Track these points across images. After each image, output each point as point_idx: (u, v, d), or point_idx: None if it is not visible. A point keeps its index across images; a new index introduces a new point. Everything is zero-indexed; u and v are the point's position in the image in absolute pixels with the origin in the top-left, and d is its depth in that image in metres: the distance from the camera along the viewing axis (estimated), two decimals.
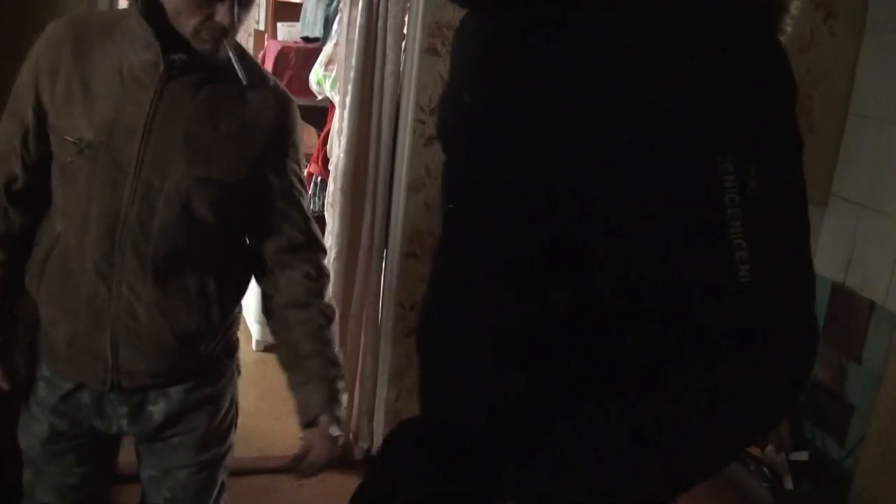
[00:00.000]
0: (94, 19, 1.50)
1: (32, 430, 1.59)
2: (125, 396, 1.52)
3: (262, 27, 5.46)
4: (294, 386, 1.58)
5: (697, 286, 0.78)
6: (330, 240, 2.76)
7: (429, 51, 2.58)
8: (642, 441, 0.82)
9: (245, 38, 6.11)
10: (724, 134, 0.76)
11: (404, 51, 2.63)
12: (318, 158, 3.33)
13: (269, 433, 3.08)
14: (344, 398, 1.59)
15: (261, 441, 3.02)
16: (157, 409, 1.55)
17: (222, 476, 1.72)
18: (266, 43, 4.66)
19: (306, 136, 4.54)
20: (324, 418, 1.54)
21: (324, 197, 2.96)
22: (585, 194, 0.81)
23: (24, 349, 1.62)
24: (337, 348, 1.62)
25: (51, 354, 1.54)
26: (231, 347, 1.66)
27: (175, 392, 1.55)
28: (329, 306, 1.60)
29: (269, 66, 3.83)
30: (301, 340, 1.56)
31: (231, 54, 1.36)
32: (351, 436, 2.89)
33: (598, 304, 0.86)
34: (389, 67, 2.63)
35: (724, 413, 0.80)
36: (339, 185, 2.69)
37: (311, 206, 3.37)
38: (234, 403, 1.73)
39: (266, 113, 1.46)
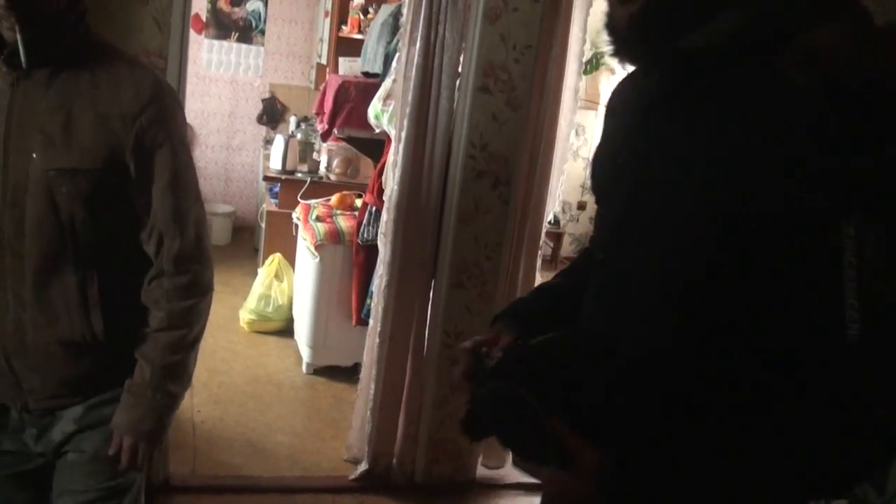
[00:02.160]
0: None
1: None
2: (36, 418, 1.51)
3: (324, 61, 5.66)
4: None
5: (810, 340, 0.87)
6: (381, 268, 2.85)
7: (481, 89, 2.67)
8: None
9: (308, 70, 6.32)
10: (850, 200, 0.84)
11: (458, 89, 2.73)
12: (373, 189, 3.43)
13: (315, 453, 3.16)
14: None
15: (306, 461, 3.10)
16: (58, 429, 1.52)
17: None
18: (328, 76, 4.82)
19: (363, 166, 4.68)
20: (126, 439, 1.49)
21: (378, 226, 3.06)
22: (732, 241, 0.90)
23: None
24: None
25: None
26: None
27: (75, 409, 1.51)
28: (171, 315, 1.48)
29: (329, 99, 3.97)
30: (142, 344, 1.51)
31: (17, 36, 1.30)
32: (394, 461, 2.96)
33: (731, 338, 0.93)
34: (443, 104, 2.72)
35: (810, 457, 0.87)
36: (392, 216, 2.79)
37: (366, 235, 3.49)
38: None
39: (121, 98, 1.40)
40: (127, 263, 1.50)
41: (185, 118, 1.55)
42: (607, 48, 1.01)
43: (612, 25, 1.00)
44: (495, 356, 1.02)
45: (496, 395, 0.96)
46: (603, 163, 1.14)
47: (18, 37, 1.31)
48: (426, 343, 2.89)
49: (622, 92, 1.17)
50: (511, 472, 3.13)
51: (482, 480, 3.08)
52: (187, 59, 2.50)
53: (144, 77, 1.44)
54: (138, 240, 1.49)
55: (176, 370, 1.51)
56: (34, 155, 1.37)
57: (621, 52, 1.01)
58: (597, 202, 1.15)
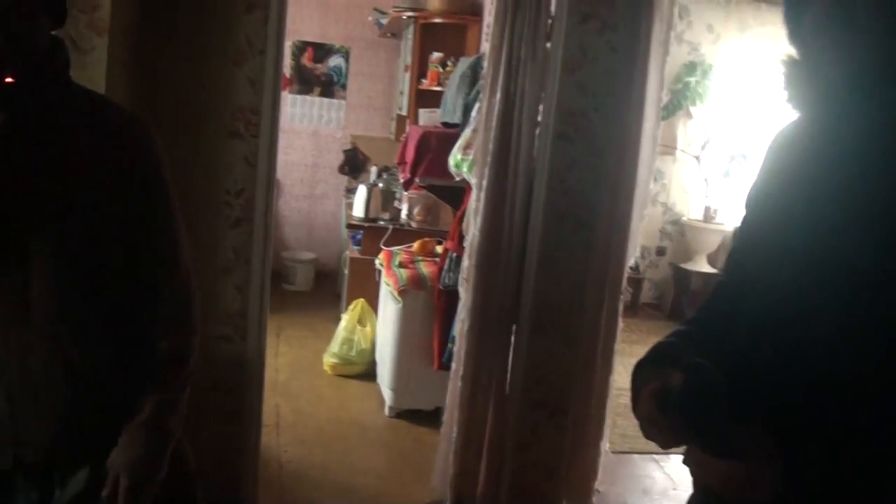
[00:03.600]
0: None
1: None
2: (34, 480, 1.44)
3: (404, 112, 5.83)
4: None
5: None
6: (463, 313, 2.91)
7: (561, 137, 2.74)
8: None
9: (388, 121, 6.52)
10: None
11: (538, 136, 2.80)
12: (454, 236, 3.52)
13: (397, 495, 3.21)
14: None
15: (389, 502, 3.15)
16: (66, 494, 1.46)
17: None
18: (408, 127, 4.98)
19: (443, 213, 4.78)
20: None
21: (459, 272, 3.13)
22: None
23: None
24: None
25: None
26: None
27: (83, 476, 1.46)
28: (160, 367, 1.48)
29: (411, 149, 4.10)
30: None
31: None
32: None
33: None
34: (524, 152, 2.80)
35: None
36: (473, 262, 2.86)
37: (447, 280, 3.57)
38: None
39: (115, 142, 1.41)
40: (127, 304, 1.49)
41: (163, 157, 1.53)
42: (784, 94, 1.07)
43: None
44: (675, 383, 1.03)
45: (696, 377, 0.98)
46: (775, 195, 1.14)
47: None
48: (508, 387, 2.93)
49: (783, 136, 1.18)
50: None
51: None
52: (279, 115, 2.65)
53: (134, 121, 1.46)
54: (136, 277, 1.48)
55: (171, 408, 1.49)
56: (33, 198, 1.36)
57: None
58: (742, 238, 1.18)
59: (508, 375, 2.93)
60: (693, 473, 1.07)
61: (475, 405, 2.92)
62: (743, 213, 1.19)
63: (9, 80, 1.32)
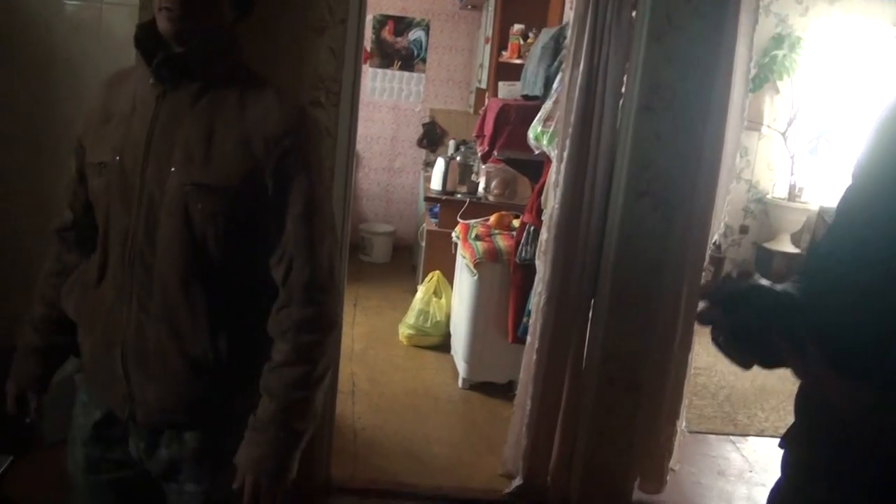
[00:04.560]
0: (126, 68, 1.56)
1: (74, 458, 1.59)
2: (144, 432, 1.49)
3: (484, 85, 5.79)
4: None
5: None
6: (540, 286, 2.89)
7: (645, 109, 2.66)
8: None
9: (467, 95, 6.49)
10: None
11: (621, 108, 2.73)
12: (532, 209, 3.48)
13: (470, 466, 3.22)
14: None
15: (461, 473, 3.17)
16: (168, 453, 1.49)
17: None
18: (487, 100, 4.94)
19: (520, 187, 4.75)
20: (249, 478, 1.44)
21: (536, 246, 3.10)
22: None
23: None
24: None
25: (84, 377, 1.57)
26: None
27: (190, 438, 1.48)
28: (292, 352, 1.43)
29: (490, 122, 4.06)
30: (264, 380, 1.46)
31: (175, 47, 1.36)
32: (549, 478, 2.97)
33: None
34: (606, 124, 2.74)
35: None
36: (552, 235, 2.82)
37: (524, 254, 3.54)
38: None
39: (266, 121, 1.40)
40: (253, 288, 1.47)
41: (322, 151, 1.54)
42: None
43: None
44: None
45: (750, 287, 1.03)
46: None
47: (176, 49, 1.36)
48: (584, 362, 2.89)
49: None
50: (670, 501, 3.06)
51: None
52: (360, 85, 2.65)
53: (291, 104, 1.45)
54: (267, 265, 1.45)
55: (301, 407, 1.45)
56: (172, 168, 1.38)
57: None
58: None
59: (585, 351, 2.89)
60: (810, 394, 1.10)
61: (550, 380, 2.90)
62: (849, 182, 1.17)
63: (182, 49, 1.37)
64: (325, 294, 1.46)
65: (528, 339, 2.99)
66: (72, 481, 1.60)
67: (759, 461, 3.58)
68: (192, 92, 1.40)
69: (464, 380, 3.99)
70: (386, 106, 6.64)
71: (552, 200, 2.86)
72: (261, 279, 1.46)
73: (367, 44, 6.37)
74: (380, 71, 6.58)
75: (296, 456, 1.47)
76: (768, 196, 6.20)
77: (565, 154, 2.78)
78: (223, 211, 1.39)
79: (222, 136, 1.39)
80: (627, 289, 2.79)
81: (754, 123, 5.84)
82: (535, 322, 2.93)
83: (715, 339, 1.11)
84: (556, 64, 3.74)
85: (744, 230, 6.32)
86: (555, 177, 2.85)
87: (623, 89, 2.74)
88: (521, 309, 3.63)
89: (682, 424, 3.05)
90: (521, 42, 5.33)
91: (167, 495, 1.55)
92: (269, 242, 1.44)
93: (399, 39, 6.57)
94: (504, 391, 3.87)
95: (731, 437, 3.79)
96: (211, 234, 1.40)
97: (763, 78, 5.78)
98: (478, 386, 3.97)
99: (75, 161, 1.54)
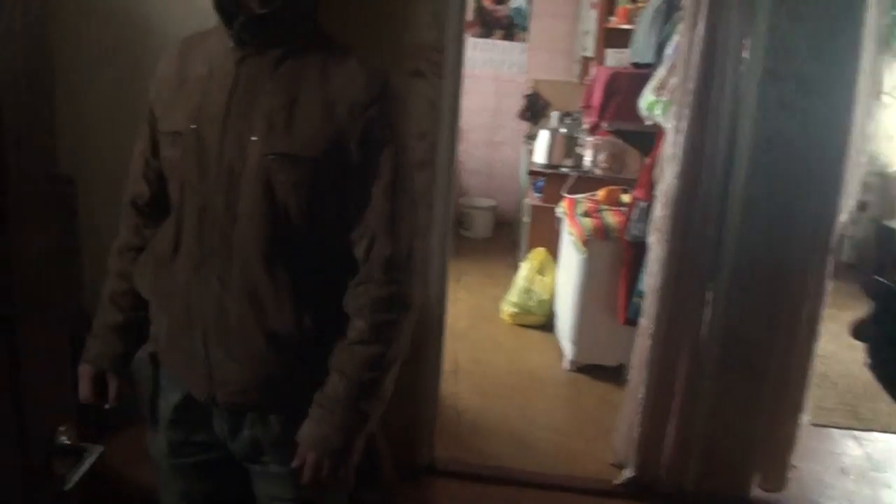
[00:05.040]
0: (201, 32, 1.49)
1: (155, 443, 1.55)
2: (225, 412, 1.45)
3: (590, 53, 5.57)
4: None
5: None
6: (654, 266, 2.72)
7: (769, 74, 2.45)
8: None
9: (570, 64, 6.27)
10: None
11: (742, 74, 2.52)
12: (643, 183, 3.30)
13: (577, 453, 3.10)
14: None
15: (568, 460, 3.06)
16: (251, 434, 1.45)
17: None
18: (593, 70, 4.74)
19: (630, 160, 4.54)
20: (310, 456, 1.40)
21: (648, 222, 2.92)
22: None
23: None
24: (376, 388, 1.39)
25: (160, 357, 1.51)
26: None
27: (275, 422, 1.44)
28: (373, 333, 1.37)
29: (598, 92, 3.88)
30: (335, 356, 1.40)
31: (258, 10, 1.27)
32: (662, 469, 2.82)
33: None
34: (727, 92, 2.53)
35: None
36: (668, 212, 2.65)
37: (634, 231, 3.36)
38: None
39: (351, 88, 1.33)
40: (336, 262, 1.41)
41: (404, 123, 1.46)
42: None
43: None
44: None
45: None
46: None
47: (259, 10, 1.29)
48: (701, 348, 2.71)
49: None
50: (790, 499, 2.86)
51: (757, 501, 2.84)
52: (463, 54, 2.53)
53: (375, 71, 1.37)
54: (348, 239, 1.39)
55: (371, 388, 1.38)
56: (254, 138, 1.32)
57: None
58: None
59: (702, 335, 2.71)
60: None
61: (665, 365, 2.73)
62: None
63: (264, 10, 1.30)
64: (405, 273, 1.40)
65: (641, 321, 2.83)
66: (155, 465, 1.57)
67: (884, 459, 3.31)
68: (274, 57, 1.34)
69: (571, 362, 3.86)
70: (487, 77, 6.49)
71: (667, 174, 2.67)
72: (343, 253, 1.40)
73: (469, 13, 6.24)
74: (480, 41, 6.43)
75: (361, 438, 1.42)
76: (890, 169, 5.76)
77: (683, 125, 2.59)
78: (307, 182, 1.33)
79: (305, 104, 1.32)
80: (749, 270, 2.59)
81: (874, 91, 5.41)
82: (648, 304, 2.76)
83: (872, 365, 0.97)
84: (669, 28, 3.52)
85: (862, 207, 5.88)
86: (671, 149, 2.66)
87: (745, 53, 2.52)
88: (632, 289, 3.46)
89: (805, 417, 2.83)
90: (631, 5, 5.08)
91: (252, 476, 1.51)
92: (352, 215, 1.38)
93: (500, 8, 6.39)
94: (613, 375, 3.72)
95: (854, 432, 3.52)
96: (294, 206, 1.33)
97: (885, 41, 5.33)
98: (584, 368, 3.83)
99: (147, 129, 1.47)
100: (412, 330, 1.44)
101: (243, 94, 1.33)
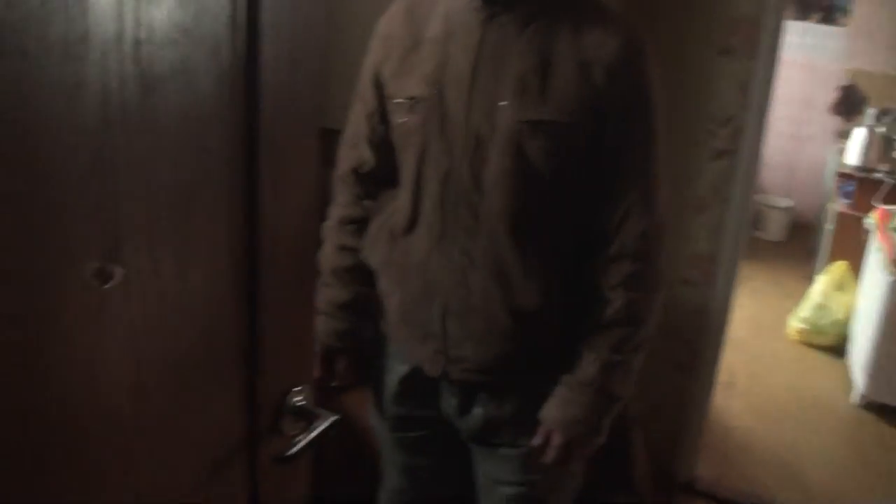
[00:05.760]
0: None
1: (379, 415, 1.53)
2: (455, 388, 1.40)
3: None
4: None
5: None
6: None
7: None
8: None
9: (894, 56, 5.54)
10: None
11: None
12: None
13: (852, 501, 2.78)
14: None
15: None
16: (484, 413, 1.39)
17: None
18: None
19: None
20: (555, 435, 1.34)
21: None
22: None
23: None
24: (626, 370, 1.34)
25: (389, 331, 1.46)
26: None
27: (510, 402, 1.38)
28: (630, 316, 1.31)
29: None
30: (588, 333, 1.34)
31: None
32: None
33: None
34: None
35: None
36: None
37: None
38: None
39: (606, 49, 1.23)
40: (585, 236, 1.33)
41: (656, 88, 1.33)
42: None
43: None
44: None
45: None
46: None
47: None
48: None
49: None
50: None
51: None
52: (782, 33, 2.27)
53: (631, 30, 1.28)
54: (600, 211, 1.31)
55: (622, 371, 1.34)
56: (504, 102, 1.25)
57: None
58: None
59: None
60: None
61: None
62: None
63: None
64: (658, 248, 1.32)
65: None
66: (378, 436, 1.58)
67: None
68: (523, 15, 1.26)
69: (861, 396, 3.44)
70: (797, 63, 5.93)
71: None
72: (594, 226, 1.32)
73: None
74: (793, 23, 5.89)
75: (608, 422, 1.37)
76: None
77: None
78: (560, 148, 1.26)
79: (559, 66, 1.24)
80: None
81: None
82: None
83: None
84: None
85: None
86: None
87: None
88: None
89: None
90: None
91: (476, 458, 1.49)
92: (605, 185, 1.30)
93: None
94: None
95: None
96: (545, 175, 1.27)
97: None
98: (876, 407, 3.40)
99: (373, 93, 1.41)
100: (659, 311, 1.36)
101: (491, 55, 1.26)
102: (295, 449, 0.91)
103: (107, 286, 0.70)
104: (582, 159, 1.28)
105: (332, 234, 1.50)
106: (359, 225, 1.47)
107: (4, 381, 0.63)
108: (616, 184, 1.29)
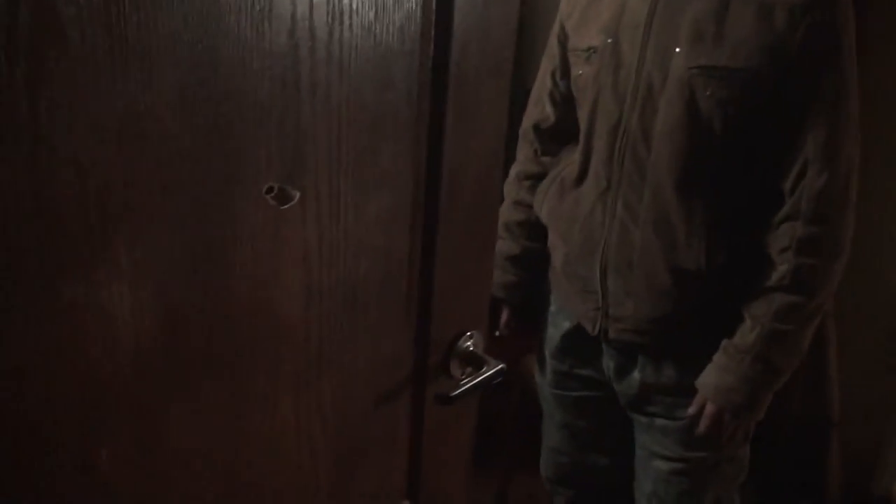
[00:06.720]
0: None
1: (542, 371, 1.56)
2: (614, 350, 1.39)
3: None
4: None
5: None
6: None
7: None
8: None
9: None
10: None
11: None
12: None
13: None
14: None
15: None
16: (641, 378, 1.37)
17: (717, 492, 1.42)
18: None
19: None
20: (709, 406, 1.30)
21: None
22: None
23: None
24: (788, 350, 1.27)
25: (553, 284, 1.47)
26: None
27: (668, 367, 1.34)
28: (789, 303, 1.23)
29: None
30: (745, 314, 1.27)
31: None
32: None
33: None
34: None
35: None
36: None
37: None
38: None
39: None
40: (756, 193, 1.27)
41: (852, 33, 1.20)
42: None
43: None
44: None
45: None
46: None
47: None
48: None
49: None
50: None
51: None
52: None
53: None
54: (774, 167, 1.24)
55: (786, 341, 1.27)
56: (678, 49, 1.20)
57: None
58: None
59: None
60: None
61: None
62: None
63: None
64: (839, 211, 1.23)
65: None
66: (539, 391, 1.60)
67: None
68: None
69: None
70: None
71: None
72: (767, 183, 1.26)
73: None
74: None
75: (769, 394, 1.31)
76: None
77: None
78: (735, 98, 1.20)
79: (738, 8, 1.18)
80: None
81: None
82: None
83: None
84: None
85: None
86: None
87: None
88: None
89: None
90: None
91: (635, 427, 1.47)
92: (781, 139, 1.22)
93: None
94: None
95: None
96: (717, 127, 1.21)
97: None
98: None
99: (558, 48, 1.43)
100: (837, 280, 1.27)
101: (667, 1, 1.23)
102: (460, 390, 0.92)
103: (284, 207, 0.73)
104: (758, 111, 1.21)
105: (509, 189, 1.55)
106: (535, 181, 1.50)
107: (186, 271, 0.68)
108: (794, 137, 1.22)
